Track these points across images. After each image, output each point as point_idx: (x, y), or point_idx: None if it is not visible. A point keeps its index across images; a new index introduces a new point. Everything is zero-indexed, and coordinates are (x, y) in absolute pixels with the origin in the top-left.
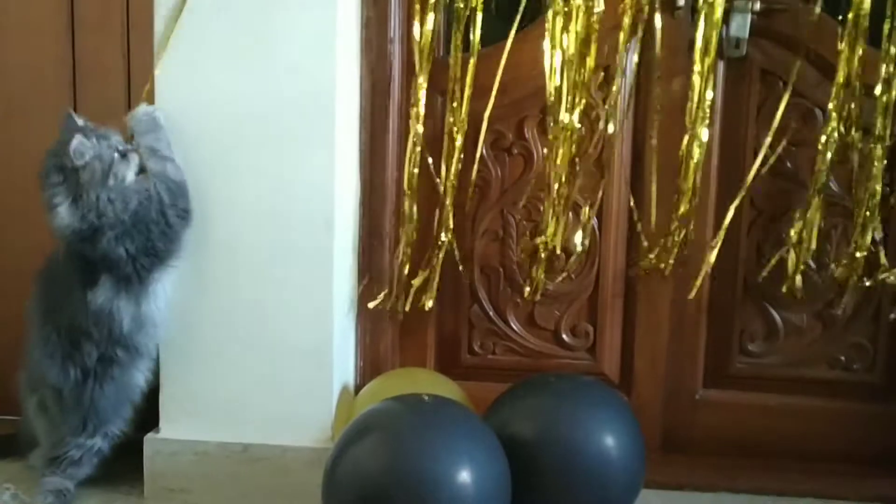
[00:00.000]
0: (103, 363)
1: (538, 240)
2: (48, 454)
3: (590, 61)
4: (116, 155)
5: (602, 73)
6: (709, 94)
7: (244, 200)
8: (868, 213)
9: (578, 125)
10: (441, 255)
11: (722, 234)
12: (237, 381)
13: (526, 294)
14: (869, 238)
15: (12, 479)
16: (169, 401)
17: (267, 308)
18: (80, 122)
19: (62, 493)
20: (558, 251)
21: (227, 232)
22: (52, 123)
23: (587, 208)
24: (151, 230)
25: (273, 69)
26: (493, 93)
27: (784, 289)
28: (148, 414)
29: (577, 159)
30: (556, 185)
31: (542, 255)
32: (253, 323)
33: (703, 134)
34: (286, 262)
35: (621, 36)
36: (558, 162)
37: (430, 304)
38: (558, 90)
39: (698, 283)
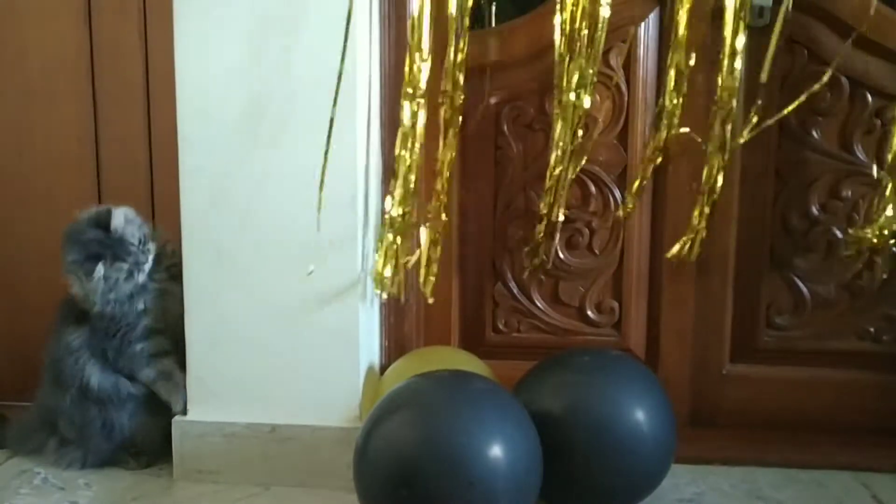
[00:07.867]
0: None
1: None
2: None
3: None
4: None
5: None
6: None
7: (268, 182)
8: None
9: (584, 101)
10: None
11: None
12: (264, 362)
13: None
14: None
15: (42, 464)
16: (196, 383)
17: (292, 289)
18: (118, 219)
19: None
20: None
21: (250, 214)
22: (71, 107)
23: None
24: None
25: (292, 49)
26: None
27: None
28: None
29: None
30: (555, 165)
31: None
32: (279, 304)
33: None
34: (310, 244)
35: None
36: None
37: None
38: (565, 65)
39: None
